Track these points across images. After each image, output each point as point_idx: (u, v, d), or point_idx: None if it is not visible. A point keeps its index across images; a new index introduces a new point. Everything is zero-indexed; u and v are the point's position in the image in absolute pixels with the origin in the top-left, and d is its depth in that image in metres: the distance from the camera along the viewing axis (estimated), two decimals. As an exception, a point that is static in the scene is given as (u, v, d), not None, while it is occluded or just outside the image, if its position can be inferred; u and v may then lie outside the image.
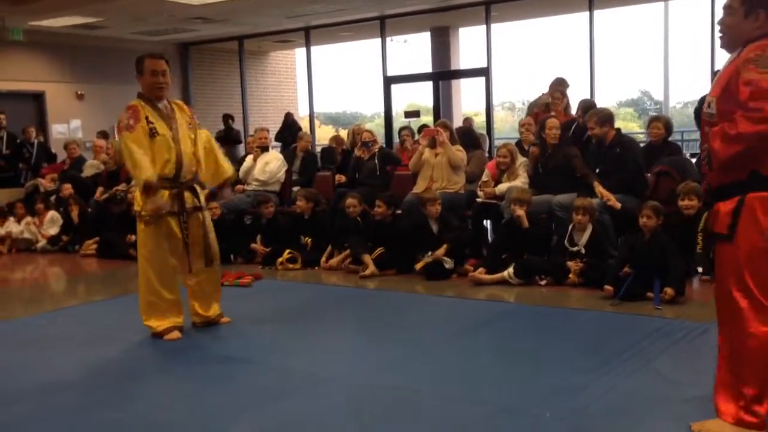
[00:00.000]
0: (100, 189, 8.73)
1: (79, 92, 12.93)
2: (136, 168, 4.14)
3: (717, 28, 2.81)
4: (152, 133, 4.23)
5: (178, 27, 12.24)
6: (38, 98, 12.58)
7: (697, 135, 9.92)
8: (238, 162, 9.21)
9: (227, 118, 12.78)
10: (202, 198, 4.58)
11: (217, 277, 4.72)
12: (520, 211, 5.83)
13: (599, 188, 5.94)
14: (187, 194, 4.42)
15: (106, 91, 12.94)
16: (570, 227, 5.68)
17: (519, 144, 7.12)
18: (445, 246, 6.04)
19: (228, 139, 12.25)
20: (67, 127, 12.75)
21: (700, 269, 3.49)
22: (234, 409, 3.28)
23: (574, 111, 7.83)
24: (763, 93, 2.54)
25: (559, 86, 8.14)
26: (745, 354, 2.71)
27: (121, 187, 8.36)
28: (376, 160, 7.54)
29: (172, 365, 3.99)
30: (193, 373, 3.86)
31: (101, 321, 5.07)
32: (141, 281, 4.46)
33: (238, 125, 13.98)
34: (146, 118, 4.24)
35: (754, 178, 2.62)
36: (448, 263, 6.02)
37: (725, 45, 2.78)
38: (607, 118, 6.17)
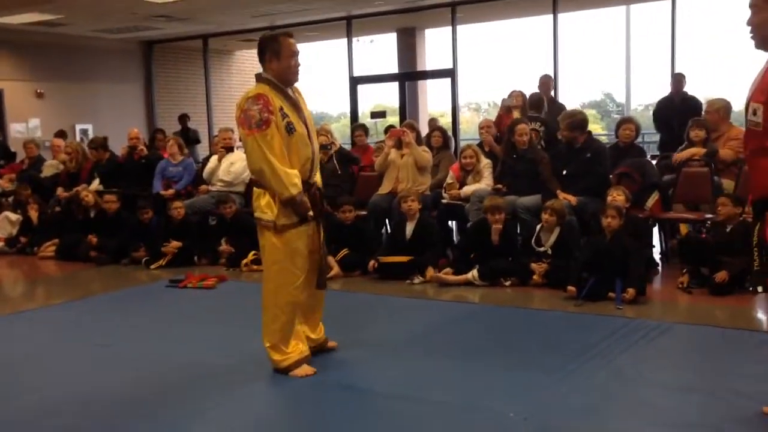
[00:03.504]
0: (60, 189, 8.59)
1: (38, 90, 12.65)
2: (278, 184, 3.51)
3: (747, 29, 2.66)
4: (290, 129, 3.56)
5: (141, 25, 12.06)
6: (-4, 96, 12.29)
7: (656, 137, 10.06)
8: (199, 162, 9.15)
9: (183, 117, 12.62)
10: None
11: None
12: (498, 227, 5.79)
13: (562, 195, 5.99)
14: None
15: (67, 90, 12.71)
16: (538, 228, 5.72)
17: (480, 146, 7.16)
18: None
19: (186, 139, 12.08)
20: (26, 126, 12.49)
21: (760, 289, 2.84)
22: (196, 400, 3.25)
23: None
24: None
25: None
26: None
27: (81, 188, 8.23)
28: (335, 161, 7.48)
29: (129, 364, 3.94)
30: (153, 371, 3.81)
31: (61, 324, 4.97)
32: (269, 305, 3.70)
33: (202, 125, 13.83)
34: (281, 109, 3.56)
35: None
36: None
37: (759, 44, 2.63)
38: (578, 124, 6.16)
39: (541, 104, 8.24)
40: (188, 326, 4.81)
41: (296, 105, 3.68)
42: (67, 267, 7.27)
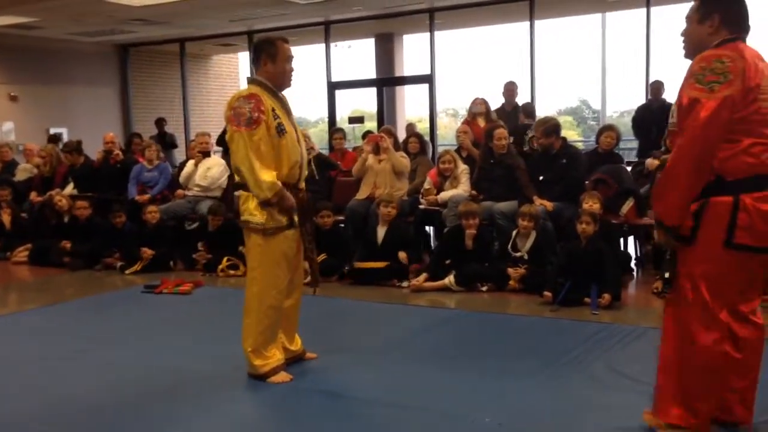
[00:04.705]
0: (33, 193, 8.49)
1: (12, 94, 12.50)
2: (255, 185, 3.48)
3: (681, 39, 2.80)
4: (280, 130, 3.53)
5: (117, 28, 11.98)
6: (-31, 99, 12.13)
7: (631, 144, 10.18)
8: (175, 167, 9.09)
9: (160, 122, 12.54)
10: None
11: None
12: (472, 231, 5.80)
13: (538, 201, 6.04)
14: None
15: (42, 93, 12.60)
16: (514, 233, 5.76)
17: (458, 150, 7.20)
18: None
19: (162, 143, 12.01)
20: (-1, 129, 12.35)
21: (667, 274, 2.90)
22: (174, 407, 3.23)
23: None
24: (686, 110, 2.56)
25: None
26: (690, 365, 2.69)
27: (54, 192, 8.13)
28: (313, 166, 7.46)
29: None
30: (129, 377, 3.77)
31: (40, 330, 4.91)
32: (252, 308, 3.66)
33: (179, 129, 13.75)
34: (273, 110, 3.53)
35: (717, 183, 2.59)
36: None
37: (686, 53, 2.78)
38: (552, 129, 6.22)
39: (534, 112, 8.30)
40: (164, 332, 4.77)
41: (288, 109, 3.69)
42: (40, 272, 7.17)
